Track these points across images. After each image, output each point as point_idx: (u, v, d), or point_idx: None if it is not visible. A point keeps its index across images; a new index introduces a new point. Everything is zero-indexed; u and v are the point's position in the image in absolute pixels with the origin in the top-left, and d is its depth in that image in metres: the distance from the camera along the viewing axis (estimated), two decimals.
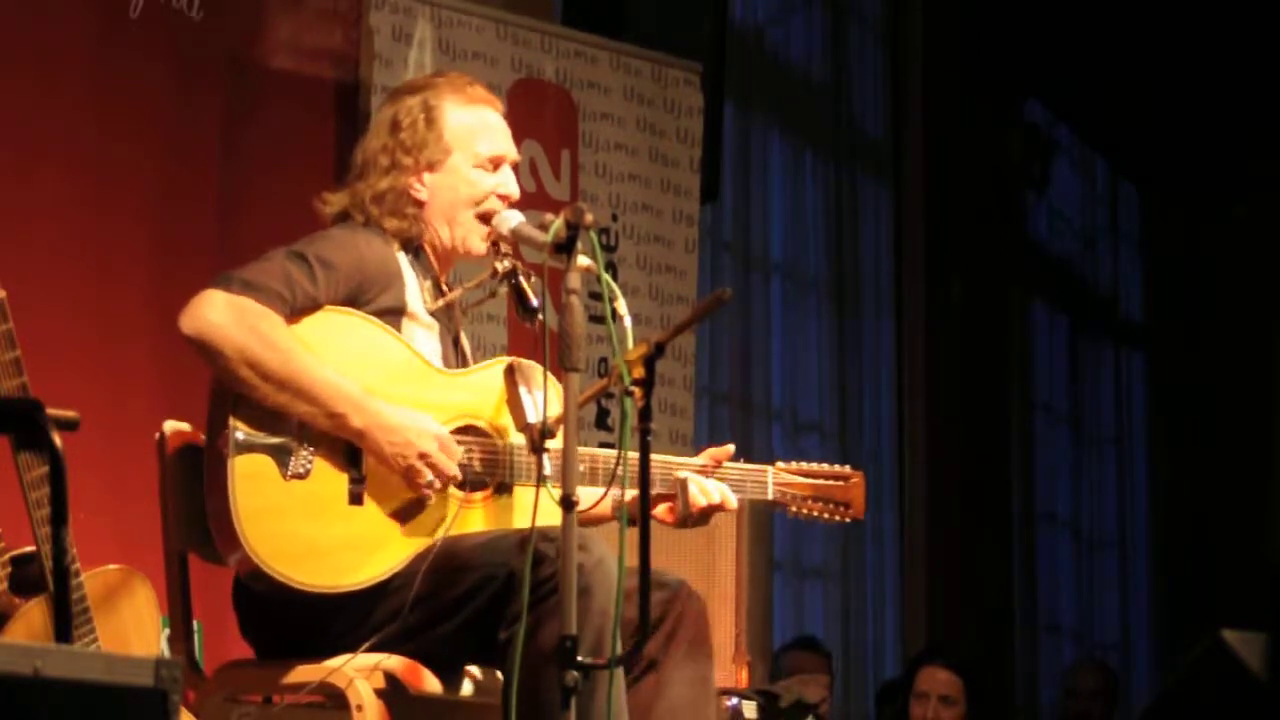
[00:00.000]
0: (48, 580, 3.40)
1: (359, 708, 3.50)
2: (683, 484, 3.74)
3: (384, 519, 3.60)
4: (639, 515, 3.30)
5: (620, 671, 3.45)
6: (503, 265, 3.76)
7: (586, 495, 3.49)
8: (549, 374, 3.53)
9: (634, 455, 3.31)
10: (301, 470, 3.56)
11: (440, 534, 3.60)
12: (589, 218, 3.34)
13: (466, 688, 3.69)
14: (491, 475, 3.69)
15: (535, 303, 3.73)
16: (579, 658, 3.20)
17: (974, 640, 8.75)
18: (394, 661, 3.56)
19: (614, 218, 6.57)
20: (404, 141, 3.80)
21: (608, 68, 6.58)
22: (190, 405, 3.77)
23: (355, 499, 3.59)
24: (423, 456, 3.58)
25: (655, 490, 3.64)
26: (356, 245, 3.70)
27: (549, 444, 3.50)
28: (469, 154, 3.81)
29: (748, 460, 3.90)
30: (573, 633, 3.19)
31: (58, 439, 2.75)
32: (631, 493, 3.41)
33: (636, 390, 3.29)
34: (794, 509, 3.89)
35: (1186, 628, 10.75)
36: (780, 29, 8.32)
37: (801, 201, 8.35)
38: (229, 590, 3.71)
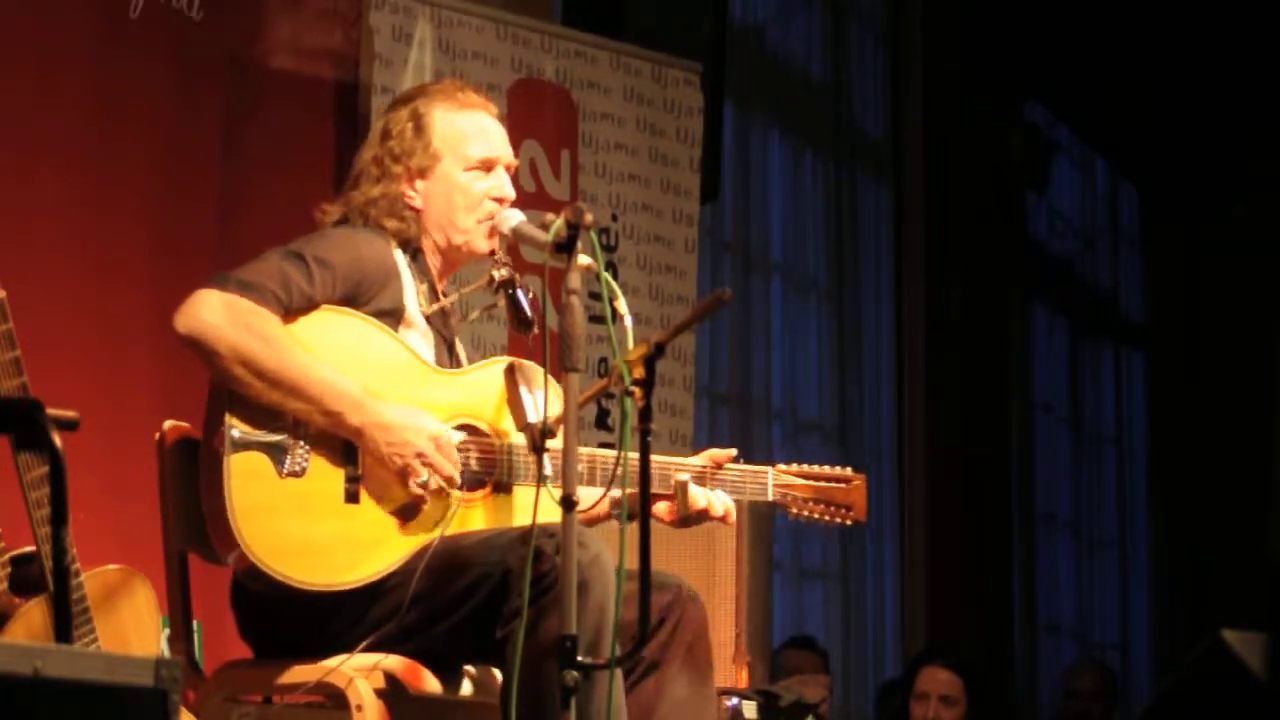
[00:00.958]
0: (48, 580, 3.40)
1: (359, 707, 3.50)
2: (682, 486, 3.75)
3: (381, 517, 3.61)
4: (638, 513, 3.30)
5: (619, 670, 3.45)
6: (499, 274, 3.77)
7: (585, 495, 3.49)
8: (549, 374, 3.53)
9: (633, 455, 3.31)
10: (298, 468, 3.56)
11: (438, 532, 3.60)
12: (589, 218, 3.34)
13: (466, 687, 3.69)
14: (489, 474, 3.69)
15: (530, 315, 3.73)
16: (578, 656, 3.20)
17: (974, 640, 8.75)
18: (393, 661, 3.56)
19: (614, 218, 6.57)
20: (392, 149, 3.80)
21: (608, 68, 6.58)
22: (190, 405, 3.77)
23: (352, 497, 3.59)
24: (419, 455, 3.58)
25: (654, 489, 3.63)
26: (355, 245, 3.71)
27: (549, 444, 3.50)
28: (459, 158, 3.81)
29: (748, 461, 3.89)
30: (573, 632, 3.20)
31: (58, 439, 2.75)
32: (630, 490, 3.41)
33: (637, 390, 3.29)
34: (795, 511, 3.89)
35: (1186, 628, 10.76)
36: (780, 29, 8.32)
37: (801, 201, 8.35)
38: (229, 590, 3.71)
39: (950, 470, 9.03)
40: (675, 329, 3.55)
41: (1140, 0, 9.81)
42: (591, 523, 3.75)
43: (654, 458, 3.44)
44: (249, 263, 3.63)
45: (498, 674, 3.60)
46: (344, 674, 3.53)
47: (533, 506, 3.41)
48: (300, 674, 3.59)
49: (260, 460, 3.54)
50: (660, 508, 3.78)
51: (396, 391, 3.63)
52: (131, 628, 3.62)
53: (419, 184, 3.80)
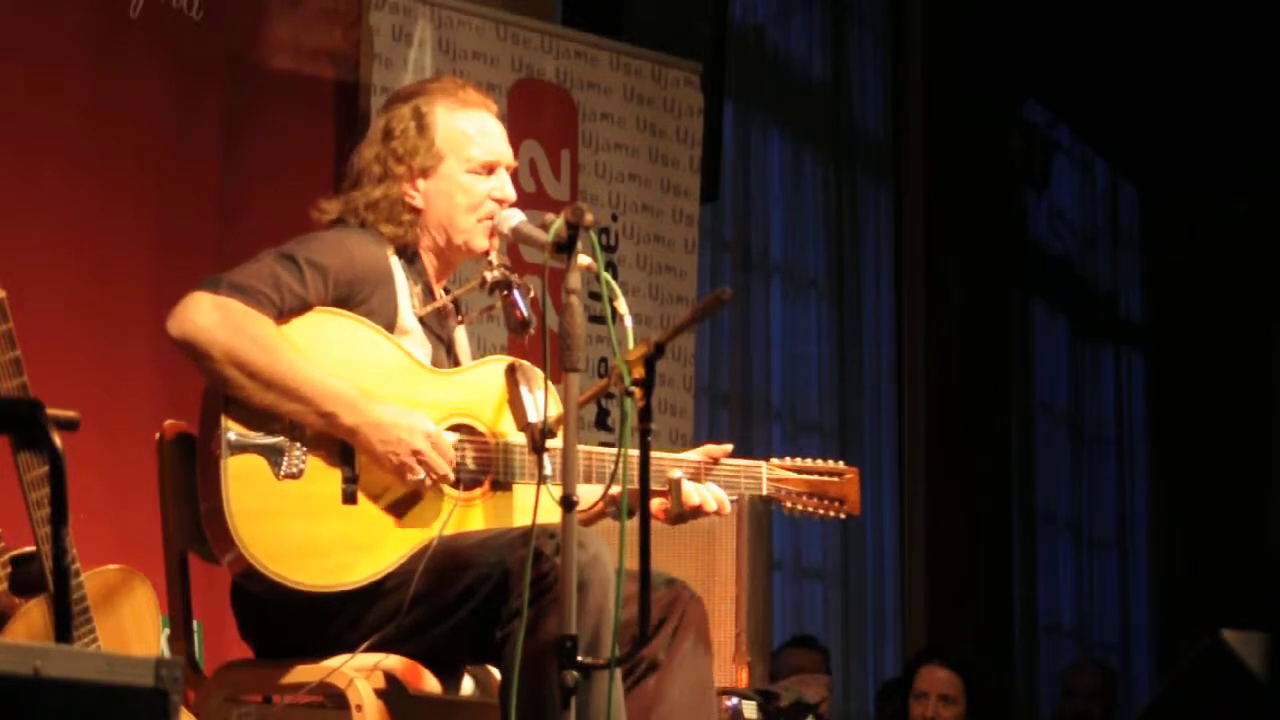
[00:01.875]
0: (48, 580, 3.39)
1: (359, 708, 3.50)
2: (676, 484, 3.74)
3: (378, 518, 3.60)
4: (638, 510, 3.30)
5: (618, 670, 3.45)
6: (491, 275, 3.76)
7: (583, 493, 3.48)
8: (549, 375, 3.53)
9: (632, 452, 3.31)
10: (294, 470, 3.56)
11: (436, 531, 3.60)
12: (589, 217, 3.34)
13: (466, 687, 3.69)
14: (485, 473, 3.69)
15: (524, 318, 3.73)
16: (577, 656, 3.20)
17: (974, 640, 8.75)
18: (393, 661, 3.56)
19: (614, 218, 6.57)
20: (395, 149, 3.79)
21: (608, 68, 6.58)
22: (190, 405, 3.76)
23: (349, 498, 3.59)
24: (415, 454, 3.57)
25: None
26: (347, 246, 3.70)
27: (549, 443, 3.50)
28: (462, 159, 3.81)
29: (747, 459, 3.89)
30: (572, 633, 3.20)
31: (58, 439, 2.75)
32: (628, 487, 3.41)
33: (636, 390, 3.29)
34: (788, 505, 3.88)
35: (1186, 628, 10.75)
36: (780, 29, 8.32)
37: (801, 201, 8.35)
38: (229, 590, 3.71)
39: (950, 470, 9.03)
40: (675, 329, 3.55)
41: (1140, 1, 9.80)
42: (588, 521, 3.75)
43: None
44: (241, 265, 3.63)
45: (498, 674, 3.59)
46: (344, 674, 3.53)
47: (532, 506, 3.41)
48: (300, 674, 3.59)
49: (257, 463, 3.54)
50: (654, 504, 3.78)
51: (390, 392, 3.63)
52: (131, 628, 3.62)
53: (420, 183, 3.80)
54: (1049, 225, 10.71)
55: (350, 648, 3.55)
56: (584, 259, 3.37)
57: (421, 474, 3.58)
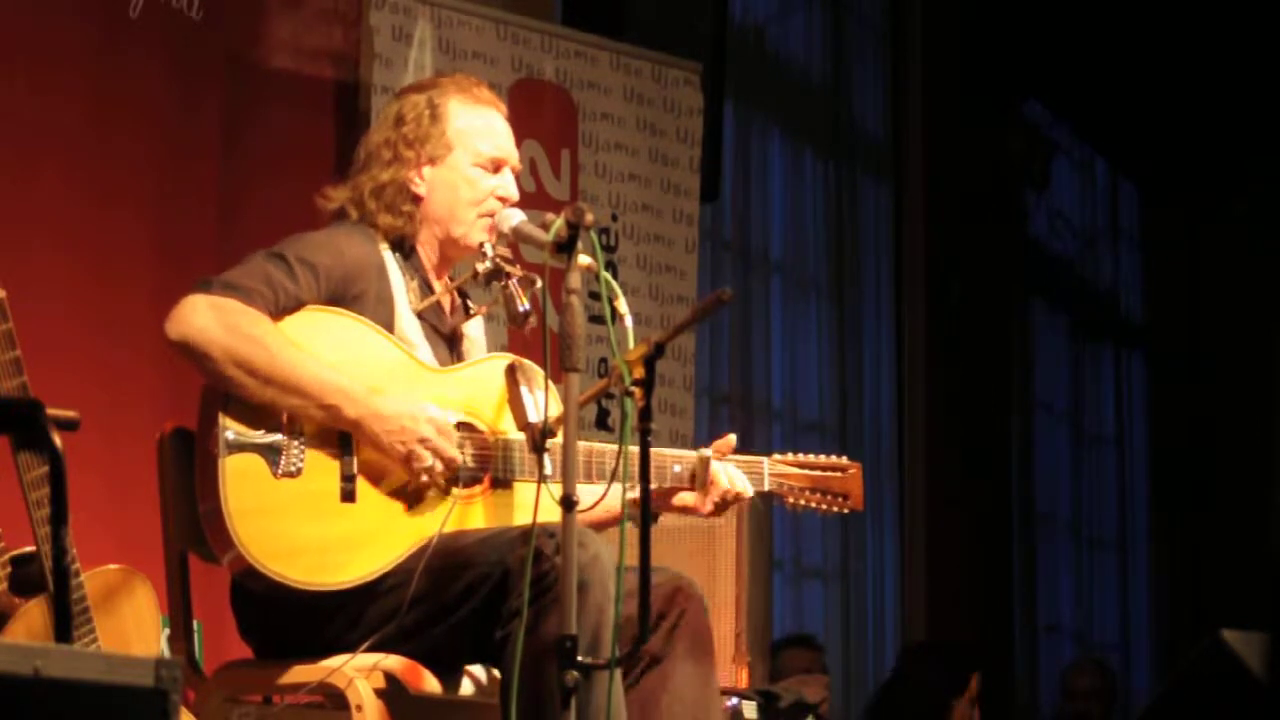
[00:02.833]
0: (48, 580, 3.40)
1: (359, 708, 3.50)
2: (705, 461, 3.72)
3: (377, 516, 3.60)
4: (641, 515, 3.30)
5: (618, 670, 3.45)
6: (483, 266, 3.76)
7: (585, 492, 3.48)
8: (549, 375, 3.53)
9: (632, 449, 3.31)
10: (293, 469, 3.56)
11: (436, 527, 3.60)
12: (589, 217, 3.34)
13: (466, 687, 3.69)
14: (485, 469, 3.69)
15: (522, 308, 3.73)
16: (577, 656, 3.20)
17: (974, 640, 8.75)
18: (393, 661, 3.56)
19: (614, 218, 6.57)
20: (407, 135, 3.81)
21: (608, 68, 6.58)
22: (190, 405, 3.76)
23: (348, 496, 3.59)
24: (422, 441, 3.57)
25: (655, 485, 3.60)
26: (336, 243, 3.71)
27: (549, 442, 3.50)
28: (470, 152, 3.82)
29: None
30: (572, 632, 3.19)
31: (58, 439, 2.75)
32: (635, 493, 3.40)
33: (637, 390, 3.29)
34: (791, 500, 3.88)
35: (1186, 628, 10.76)
36: (780, 29, 8.32)
37: (801, 201, 8.36)
38: (229, 590, 3.71)
39: (950, 470, 9.03)
40: (675, 329, 3.55)
41: (1140, 1, 9.80)
42: (601, 527, 3.74)
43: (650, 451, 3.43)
44: (233, 267, 3.63)
45: (498, 674, 3.59)
46: (344, 674, 3.53)
47: (533, 503, 3.41)
48: (300, 674, 3.59)
49: (255, 462, 3.54)
50: (687, 498, 3.76)
51: (387, 389, 3.63)
52: (131, 628, 3.62)
53: (427, 171, 3.81)
54: (1049, 225, 10.71)
55: (350, 648, 3.55)
56: (584, 259, 3.37)
57: (429, 461, 3.58)
